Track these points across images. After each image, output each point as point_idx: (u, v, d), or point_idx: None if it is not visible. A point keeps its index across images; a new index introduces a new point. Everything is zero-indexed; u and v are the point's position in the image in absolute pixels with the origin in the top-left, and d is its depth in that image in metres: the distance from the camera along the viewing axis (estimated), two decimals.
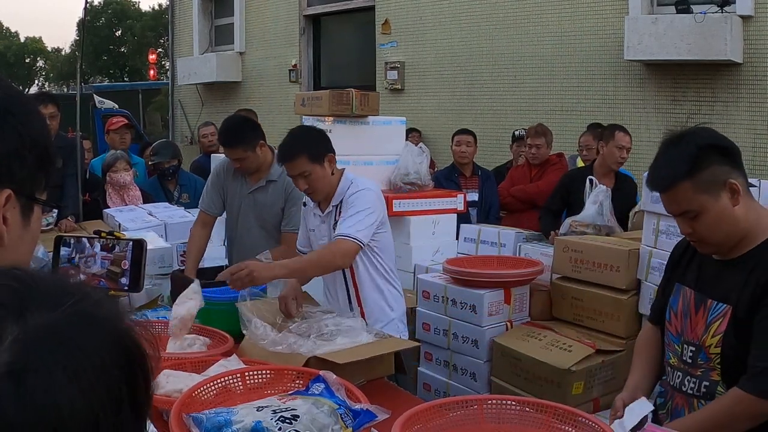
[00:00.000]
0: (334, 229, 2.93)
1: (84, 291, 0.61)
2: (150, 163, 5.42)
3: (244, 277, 2.53)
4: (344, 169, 3.07)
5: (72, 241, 2.42)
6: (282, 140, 3.01)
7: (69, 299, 0.59)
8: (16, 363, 0.53)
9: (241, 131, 3.55)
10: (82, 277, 2.50)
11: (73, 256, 2.40)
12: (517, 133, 6.00)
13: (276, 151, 3.54)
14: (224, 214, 3.78)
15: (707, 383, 1.90)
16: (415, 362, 3.75)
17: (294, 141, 2.95)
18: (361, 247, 2.86)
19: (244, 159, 3.52)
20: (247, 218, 3.62)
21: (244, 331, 2.47)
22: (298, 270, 2.80)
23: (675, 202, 1.86)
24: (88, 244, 2.40)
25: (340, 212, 2.96)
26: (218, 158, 5.14)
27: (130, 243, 2.36)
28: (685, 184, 1.81)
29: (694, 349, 1.92)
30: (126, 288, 2.37)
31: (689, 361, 1.93)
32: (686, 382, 1.95)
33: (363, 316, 2.93)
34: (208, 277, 3.40)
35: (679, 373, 1.98)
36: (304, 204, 3.20)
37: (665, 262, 2.22)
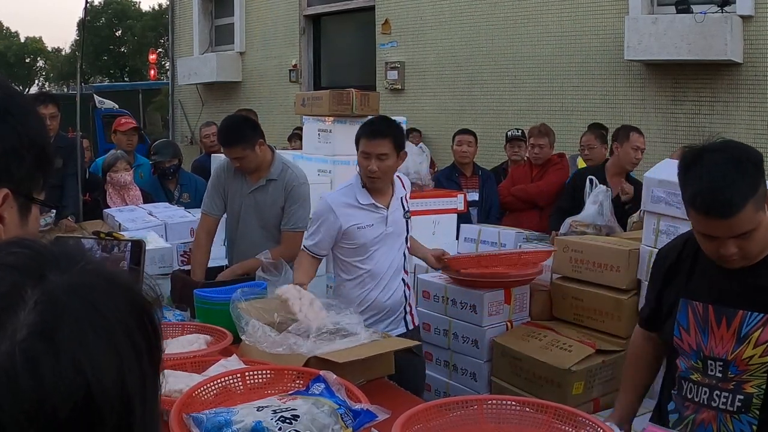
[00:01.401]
0: (406, 219, 3.23)
1: (90, 254, 0.64)
2: (150, 162, 5.42)
3: None
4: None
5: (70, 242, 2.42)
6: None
7: (81, 261, 0.61)
8: (45, 323, 0.55)
9: (240, 130, 3.57)
10: None
11: None
12: (510, 133, 6.01)
13: (275, 150, 3.61)
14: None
15: (741, 396, 1.86)
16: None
17: (382, 122, 3.22)
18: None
19: (243, 158, 3.52)
20: (248, 218, 3.62)
21: (242, 336, 2.46)
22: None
23: (738, 225, 1.75)
24: (86, 245, 2.40)
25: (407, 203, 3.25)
26: (218, 158, 5.14)
27: (129, 244, 2.35)
28: (748, 206, 1.73)
29: (722, 363, 1.87)
30: None
31: (719, 375, 1.89)
32: (716, 398, 1.90)
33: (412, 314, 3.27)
34: (209, 277, 3.41)
35: (705, 389, 1.93)
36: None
37: None
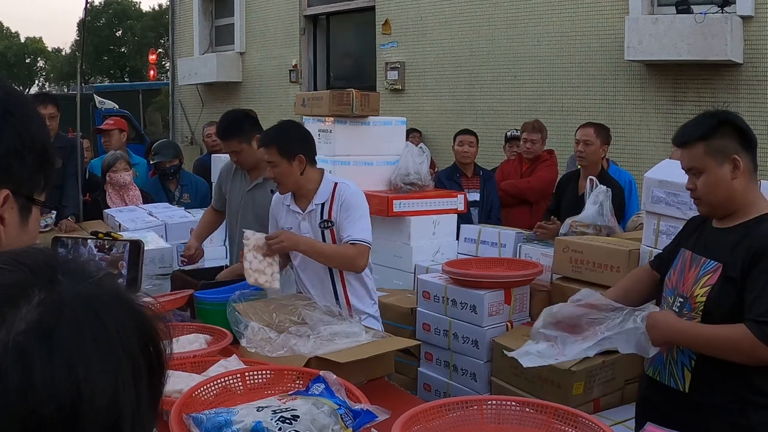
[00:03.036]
0: (322, 227, 3.06)
1: (108, 274, 0.64)
2: (151, 162, 5.42)
3: (275, 243, 2.88)
4: (323, 170, 3.16)
5: (69, 243, 2.42)
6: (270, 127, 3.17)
7: (95, 274, 0.61)
8: (45, 321, 0.54)
9: (237, 123, 3.59)
10: None
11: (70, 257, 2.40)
12: (509, 133, 6.01)
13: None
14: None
15: None
16: (415, 362, 3.75)
17: (274, 131, 3.09)
18: (370, 247, 3.05)
19: (240, 152, 3.55)
20: (246, 216, 3.62)
21: (241, 341, 2.45)
22: (320, 253, 3.00)
23: (687, 157, 2.17)
24: (85, 246, 2.40)
25: (331, 211, 3.04)
26: (219, 158, 5.14)
27: (128, 244, 2.36)
28: (699, 144, 2.13)
29: (682, 300, 2.19)
30: None
31: (676, 310, 2.18)
32: None
33: (348, 306, 3.06)
34: (209, 277, 3.41)
35: None
36: (272, 191, 3.30)
37: None
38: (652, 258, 2.60)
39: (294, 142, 3.05)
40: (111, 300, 0.60)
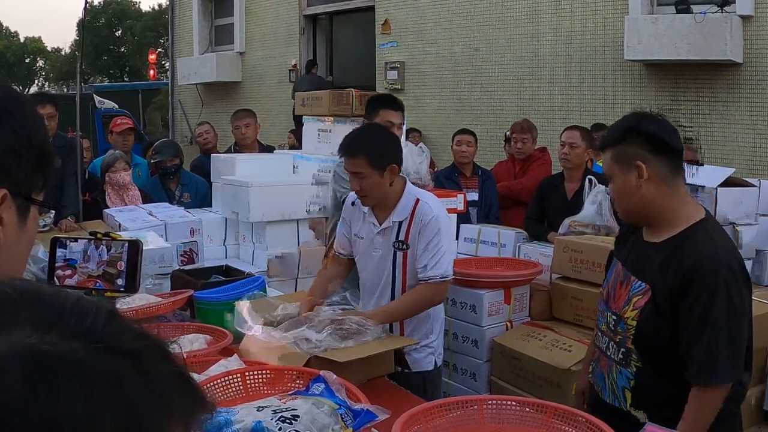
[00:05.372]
0: (395, 248, 2.76)
1: (157, 347, 0.50)
2: (152, 161, 5.41)
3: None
4: (405, 179, 2.82)
5: (68, 243, 2.42)
6: (351, 131, 2.81)
7: (122, 343, 0.48)
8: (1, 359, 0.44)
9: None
10: (78, 278, 2.51)
11: (69, 257, 2.40)
12: (508, 134, 6.02)
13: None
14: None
15: (624, 350, 2.09)
16: None
17: (361, 139, 2.72)
18: (452, 278, 2.76)
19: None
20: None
21: (245, 331, 2.45)
22: (395, 315, 2.70)
23: (604, 163, 2.16)
24: (84, 246, 2.40)
25: (408, 232, 2.73)
26: (218, 158, 5.14)
27: (126, 244, 2.36)
28: (608, 151, 2.10)
29: (615, 318, 2.13)
30: (122, 289, 2.37)
31: (612, 328, 2.14)
32: (610, 347, 2.15)
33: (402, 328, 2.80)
34: (208, 276, 3.40)
35: (605, 338, 2.18)
36: (353, 203, 2.90)
37: None
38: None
39: (386, 150, 2.69)
40: (92, 373, 0.45)
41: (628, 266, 2.13)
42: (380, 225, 2.77)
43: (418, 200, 2.73)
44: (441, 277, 2.68)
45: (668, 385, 2.01)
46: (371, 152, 2.63)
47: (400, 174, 2.79)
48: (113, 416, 0.44)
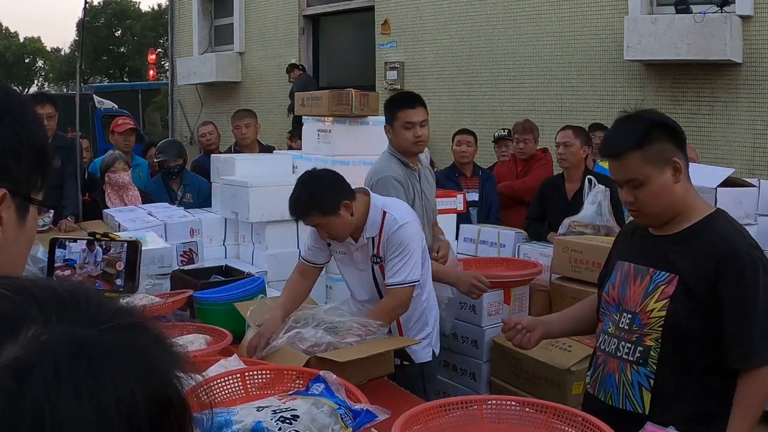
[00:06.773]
0: (373, 261, 2.83)
1: (137, 320, 0.53)
2: (155, 161, 5.41)
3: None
4: (368, 196, 2.83)
5: (67, 243, 2.42)
6: (292, 191, 2.78)
7: (114, 321, 0.52)
8: (24, 360, 0.47)
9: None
10: (76, 278, 2.51)
11: (68, 257, 2.40)
12: (497, 134, 6.03)
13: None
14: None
15: (641, 348, 2.02)
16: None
17: (304, 197, 2.71)
18: (417, 283, 2.79)
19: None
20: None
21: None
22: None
23: (623, 169, 1.99)
24: (83, 246, 2.39)
25: (379, 246, 2.79)
26: (217, 158, 5.13)
27: (125, 244, 2.35)
28: (635, 154, 1.95)
29: (630, 316, 2.05)
30: (121, 289, 2.37)
31: (626, 327, 2.06)
32: (621, 348, 2.07)
33: (399, 327, 2.86)
34: (207, 276, 3.40)
35: (614, 339, 2.10)
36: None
37: None
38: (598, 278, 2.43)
39: (329, 193, 2.67)
40: (123, 353, 0.50)
41: (641, 261, 2.06)
42: (356, 243, 2.82)
43: (384, 213, 2.78)
44: (402, 284, 2.73)
45: (692, 380, 1.95)
46: (318, 205, 2.66)
47: (362, 187, 2.86)
48: (144, 383, 0.50)
